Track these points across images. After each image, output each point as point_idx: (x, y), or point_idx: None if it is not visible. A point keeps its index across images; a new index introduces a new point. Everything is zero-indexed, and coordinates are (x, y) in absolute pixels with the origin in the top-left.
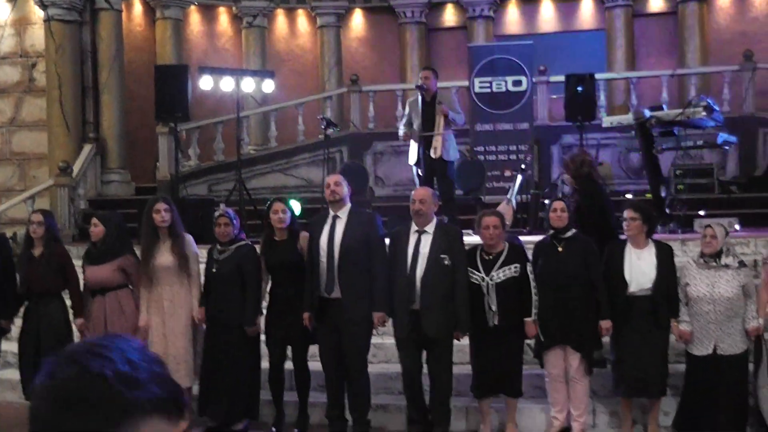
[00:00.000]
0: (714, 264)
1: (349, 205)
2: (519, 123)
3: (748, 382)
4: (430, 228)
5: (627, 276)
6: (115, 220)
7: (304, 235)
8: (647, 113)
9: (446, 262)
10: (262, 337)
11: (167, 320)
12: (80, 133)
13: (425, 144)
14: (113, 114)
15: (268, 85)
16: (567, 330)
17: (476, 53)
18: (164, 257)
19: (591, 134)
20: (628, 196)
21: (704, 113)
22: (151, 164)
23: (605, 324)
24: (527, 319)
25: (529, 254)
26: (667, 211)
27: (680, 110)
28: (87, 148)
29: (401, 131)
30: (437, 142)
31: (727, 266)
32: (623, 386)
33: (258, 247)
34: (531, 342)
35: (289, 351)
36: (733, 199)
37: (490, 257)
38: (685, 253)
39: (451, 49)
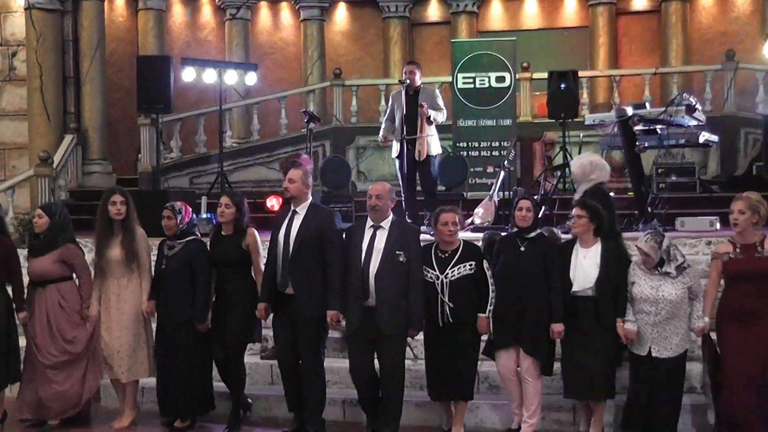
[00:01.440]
0: (657, 272)
1: (309, 200)
2: (502, 119)
3: (683, 384)
4: (386, 224)
5: (571, 275)
6: (58, 211)
7: (251, 232)
8: (630, 111)
9: (401, 259)
10: None
11: (113, 313)
12: (61, 123)
13: (408, 141)
14: (95, 104)
15: (251, 78)
16: (520, 330)
17: (460, 49)
18: (114, 250)
19: (573, 131)
20: (611, 194)
21: (686, 112)
22: (132, 156)
23: (557, 327)
24: (481, 315)
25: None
26: (649, 209)
27: (663, 109)
28: (68, 139)
29: (381, 133)
30: (421, 145)
31: (668, 273)
32: (570, 388)
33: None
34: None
35: None
36: (714, 198)
37: (446, 255)
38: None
39: (435, 44)
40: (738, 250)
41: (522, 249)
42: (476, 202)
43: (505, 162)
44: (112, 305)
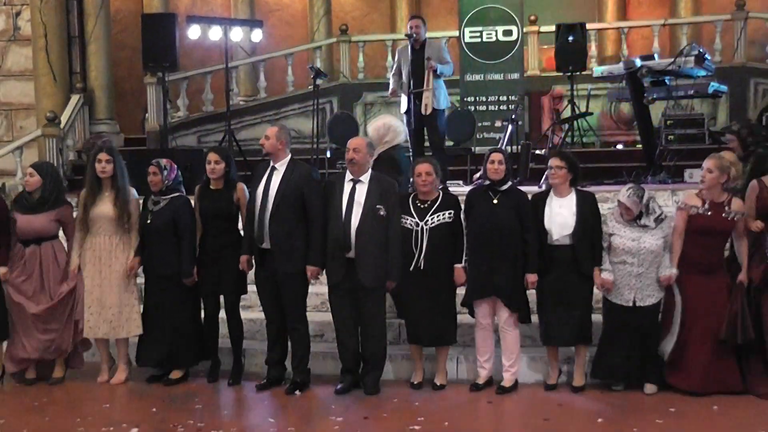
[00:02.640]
0: (636, 224)
1: (288, 157)
2: (509, 73)
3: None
4: (365, 178)
5: (547, 225)
6: (51, 171)
7: (241, 187)
8: (638, 63)
9: (381, 212)
10: None
11: (104, 270)
12: (67, 84)
13: (415, 95)
14: (100, 64)
15: (257, 35)
16: (495, 282)
17: (466, 2)
18: (105, 207)
19: (581, 84)
20: (619, 146)
21: (695, 63)
22: (139, 115)
23: (531, 277)
24: (457, 266)
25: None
26: (658, 161)
27: (671, 59)
28: (74, 99)
29: (390, 87)
30: (427, 98)
31: (646, 226)
32: (547, 335)
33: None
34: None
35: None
36: (723, 150)
37: (425, 205)
38: (676, 204)
39: None
40: (706, 206)
41: (495, 202)
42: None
43: (513, 116)
44: (104, 263)
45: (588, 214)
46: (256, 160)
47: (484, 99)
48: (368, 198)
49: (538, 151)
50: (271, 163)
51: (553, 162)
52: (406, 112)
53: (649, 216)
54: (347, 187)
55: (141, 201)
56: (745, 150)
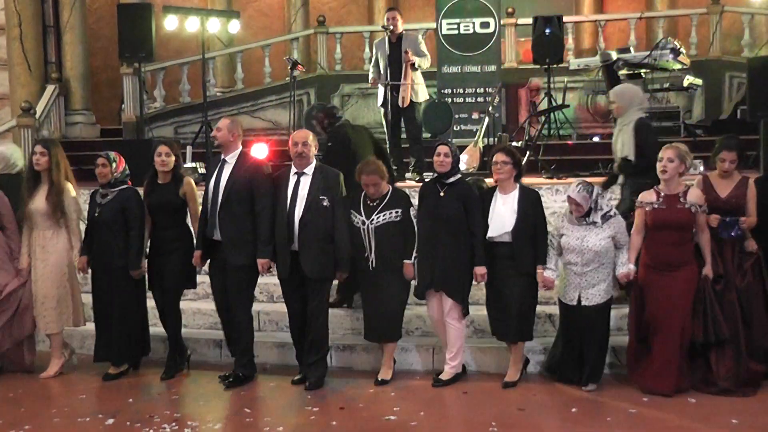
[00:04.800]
0: (584, 222)
1: (239, 150)
2: (486, 65)
3: (609, 330)
4: (309, 170)
5: (489, 221)
6: None
7: (188, 181)
8: (614, 55)
9: (325, 203)
10: None
11: (38, 264)
12: (42, 73)
13: (392, 88)
14: (76, 54)
15: (234, 26)
16: (441, 274)
17: None
18: (39, 202)
19: (558, 77)
20: (595, 139)
21: (671, 56)
22: (115, 106)
23: (479, 270)
24: (406, 261)
25: None
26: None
27: (647, 53)
28: (50, 89)
29: (370, 77)
30: (404, 92)
31: (594, 223)
32: (492, 329)
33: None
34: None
35: None
36: (698, 143)
37: (374, 203)
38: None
39: None
40: (661, 200)
41: (441, 194)
42: (461, 149)
43: (490, 108)
44: (38, 257)
45: (529, 211)
46: None
47: (461, 91)
48: (311, 189)
49: (515, 143)
50: (222, 156)
51: (498, 157)
52: (382, 105)
53: (597, 213)
54: (292, 180)
55: (89, 194)
56: (325, 131)
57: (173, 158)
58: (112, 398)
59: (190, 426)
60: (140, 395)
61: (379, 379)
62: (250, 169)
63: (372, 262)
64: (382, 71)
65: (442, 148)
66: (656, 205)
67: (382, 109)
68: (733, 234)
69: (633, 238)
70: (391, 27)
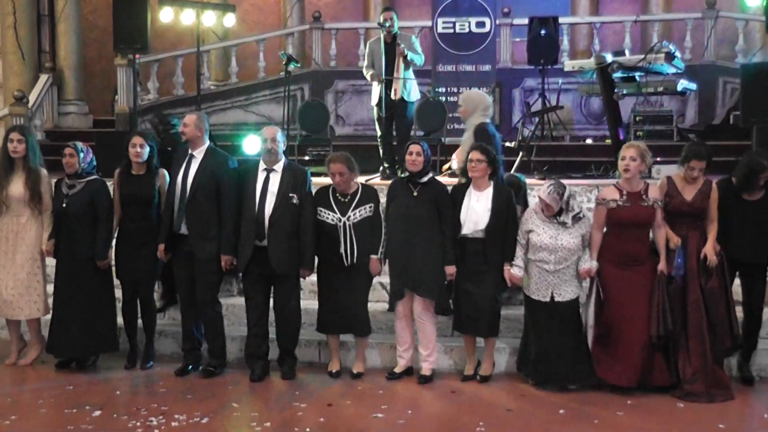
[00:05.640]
0: (555, 221)
1: (206, 145)
2: (481, 65)
3: (581, 326)
4: (279, 167)
5: (462, 217)
6: None
7: (163, 173)
8: (609, 58)
9: (294, 201)
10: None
11: (9, 251)
12: (36, 63)
13: (387, 85)
14: (70, 44)
15: (230, 19)
16: (413, 273)
17: None
18: (16, 187)
19: (552, 78)
20: (588, 141)
21: (665, 60)
22: (109, 97)
23: (449, 269)
24: (373, 257)
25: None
26: None
27: (642, 56)
28: (43, 78)
29: (368, 74)
30: (397, 84)
31: (564, 223)
32: (458, 323)
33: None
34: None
35: None
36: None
37: (346, 199)
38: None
39: None
40: (624, 198)
41: (414, 194)
42: (454, 147)
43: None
44: (10, 243)
45: (503, 209)
46: (225, 145)
47: (455, 90)
48: (281, 187)
49: (508, 144)
50: (189, 150)
51: (474, 155)
52: (377, 104)
53: (567, 213)
54: (261, 176)
55: (53, 184)
56: (159, 136)
57: (148, 149)
58: (99, 390)
59: (177, 419)
60: (127, 388)
61: (355, 372)
62: (218, 164)
63: (348, 258)
64: (377, 70)
65: (414, 147)
66: (620, 203)
67: (376, 108)
68: (682, 273)
69: (594, 235)
70: (388, 24)
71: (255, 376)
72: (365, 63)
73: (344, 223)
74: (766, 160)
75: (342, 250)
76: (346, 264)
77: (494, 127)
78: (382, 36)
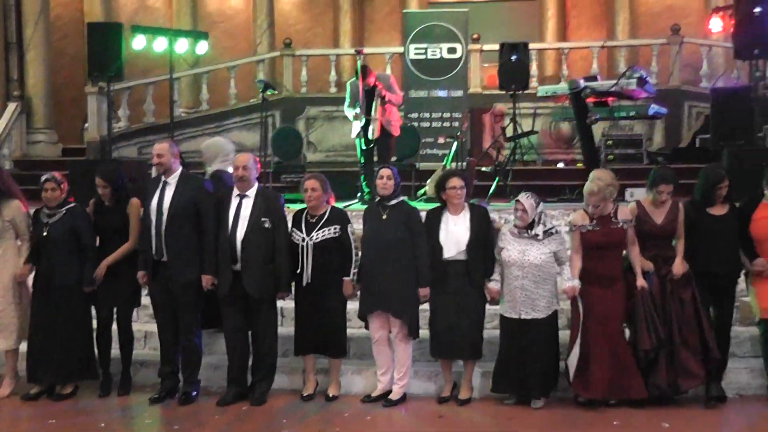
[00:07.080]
0: (526, 235)
1: (179, 170)
2: (453, 90)
3: (557, 344)
4: (251, 192)
5: (442, 241)
6: None
7: (134, 202)
8: (582, 83)
9: (266, 225)
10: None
11: None
12: (4, 91)
13: (366, 124)
14: (39, 71)
15: (202, 47)
16: (387, 296)
17: (412, 19)
18: None
19: (523, 103)
20: (560, 165)
21: (637, 84)
22: (78, 125)
23: (423, 291)
24: (345, 279)
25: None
26: None
27: (614, 81)
28: (11, 107)
29: (351, 114)
30: (375, 124)
31: (536, 236)
32: (437, 348)
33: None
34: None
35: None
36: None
37: (314, 219)
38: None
39: (386, 15)
40: (594, 222)
41: (384, 217)
42: (428, 173)
43: (458, 133)
44: None
45: (483, 225)
46: (198, 172)
47: (428, 115)
48: (253, 212)
49: (483, 168)
50: (163, 178)
51: (456, 182)
52: (357, 136)
53: (539, 226)
54: (234, 202)
55: (31, 214)
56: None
57: (110, 189)
58: (83, 422)
59: None
60: (113, 419)
61: (330, 395)
62: (195, 188)
63: (308, 277)
64: (358, 110)
65: (385, 171)
66: (590, 227)
67: (357, 140)
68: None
69: (573, 258)
70: (361, 57)
71: (225, 401)
72: (347, 103)
73: (306, 242)
74: (723, 171)
75: (303, 269)
76: (304, 283)
77: (228, 175)
78: (358, 80)
